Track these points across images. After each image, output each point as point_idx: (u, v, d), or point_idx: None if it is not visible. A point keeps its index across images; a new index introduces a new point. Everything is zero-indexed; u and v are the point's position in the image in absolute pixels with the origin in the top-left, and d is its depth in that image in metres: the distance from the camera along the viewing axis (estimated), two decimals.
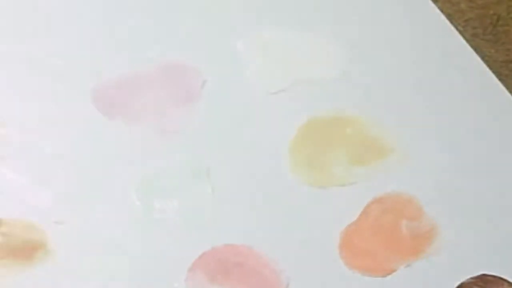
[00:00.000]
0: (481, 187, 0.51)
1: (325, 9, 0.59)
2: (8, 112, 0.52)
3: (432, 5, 0.60)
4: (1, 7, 0.57)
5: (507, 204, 0.51)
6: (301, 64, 0.57)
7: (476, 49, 0.58)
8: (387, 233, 0.49)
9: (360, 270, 0.48)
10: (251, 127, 0.53)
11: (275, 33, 0.58)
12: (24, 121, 0.52)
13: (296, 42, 0.58)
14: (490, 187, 0.51)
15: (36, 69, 0.54)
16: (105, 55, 0.55)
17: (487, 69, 0.57)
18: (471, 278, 0.47)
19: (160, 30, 0.57)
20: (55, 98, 0.53)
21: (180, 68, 0.55)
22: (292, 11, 0.59)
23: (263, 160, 0.51)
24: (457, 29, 0.59)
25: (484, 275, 0.47)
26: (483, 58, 0.57)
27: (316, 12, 0.59)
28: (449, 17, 0.59)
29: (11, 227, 0.47)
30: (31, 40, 0.55)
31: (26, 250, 0.47)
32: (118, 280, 0.47)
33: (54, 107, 0.53)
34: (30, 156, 0.50)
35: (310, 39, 0.58)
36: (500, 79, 0.56)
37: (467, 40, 0.58)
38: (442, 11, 0.59)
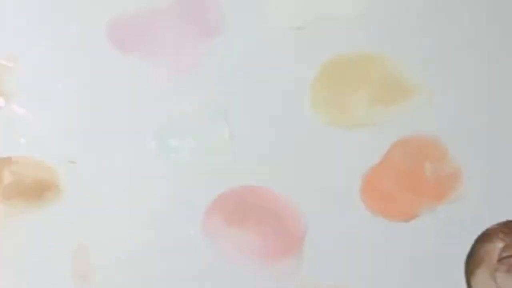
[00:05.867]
0: (509, 128, 0.50)
1: None
2: (19, 45, 0.51)
3: None
4: None
5: None
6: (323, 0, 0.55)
7: None
8: (410, 176, 0.49)
9: (382, 214, 0.47)
10: (271, 65, 0.52)
11: None
12: (36, 55, 0.51)
13: None
14: None
15: (49, 2, 0.53)
16: None
17: None
18: (497, 224, 0.47)
19: None
20: (68, 31, 0.52)
21: (198, 1, 0.54)
22: None
23: (282, 100, 0.50)
24: None
25: (510, 221, 0.47)
26: None
27: None
28: None
29: (22, 165, 0.47)
30: None
31: (37, 189, 0.46)
32: (130, 221, 0.47)
33: (67, 40, 0.51)
34: (41, 92, 0.49)
35: None
36: None
37: None
38: None
